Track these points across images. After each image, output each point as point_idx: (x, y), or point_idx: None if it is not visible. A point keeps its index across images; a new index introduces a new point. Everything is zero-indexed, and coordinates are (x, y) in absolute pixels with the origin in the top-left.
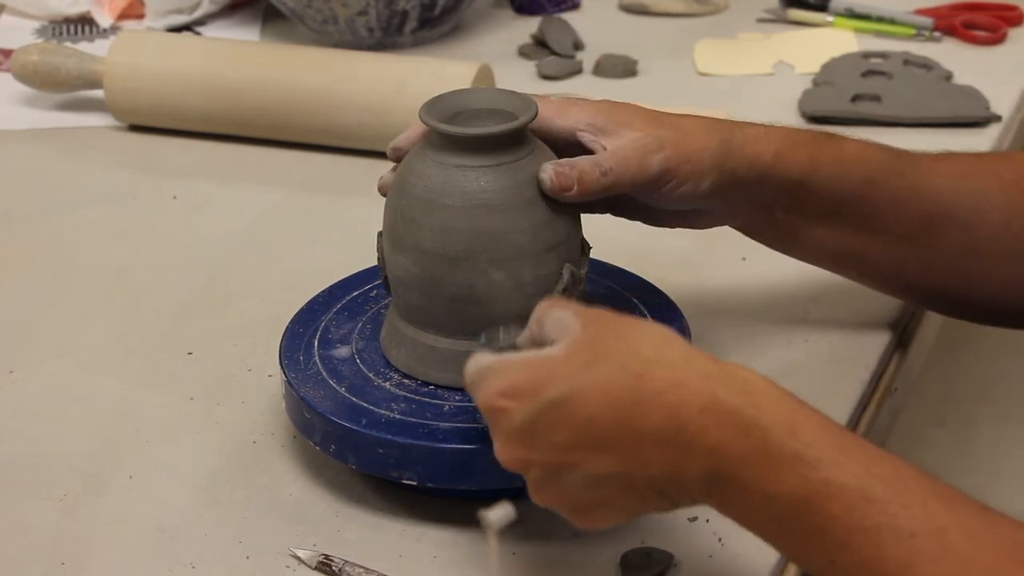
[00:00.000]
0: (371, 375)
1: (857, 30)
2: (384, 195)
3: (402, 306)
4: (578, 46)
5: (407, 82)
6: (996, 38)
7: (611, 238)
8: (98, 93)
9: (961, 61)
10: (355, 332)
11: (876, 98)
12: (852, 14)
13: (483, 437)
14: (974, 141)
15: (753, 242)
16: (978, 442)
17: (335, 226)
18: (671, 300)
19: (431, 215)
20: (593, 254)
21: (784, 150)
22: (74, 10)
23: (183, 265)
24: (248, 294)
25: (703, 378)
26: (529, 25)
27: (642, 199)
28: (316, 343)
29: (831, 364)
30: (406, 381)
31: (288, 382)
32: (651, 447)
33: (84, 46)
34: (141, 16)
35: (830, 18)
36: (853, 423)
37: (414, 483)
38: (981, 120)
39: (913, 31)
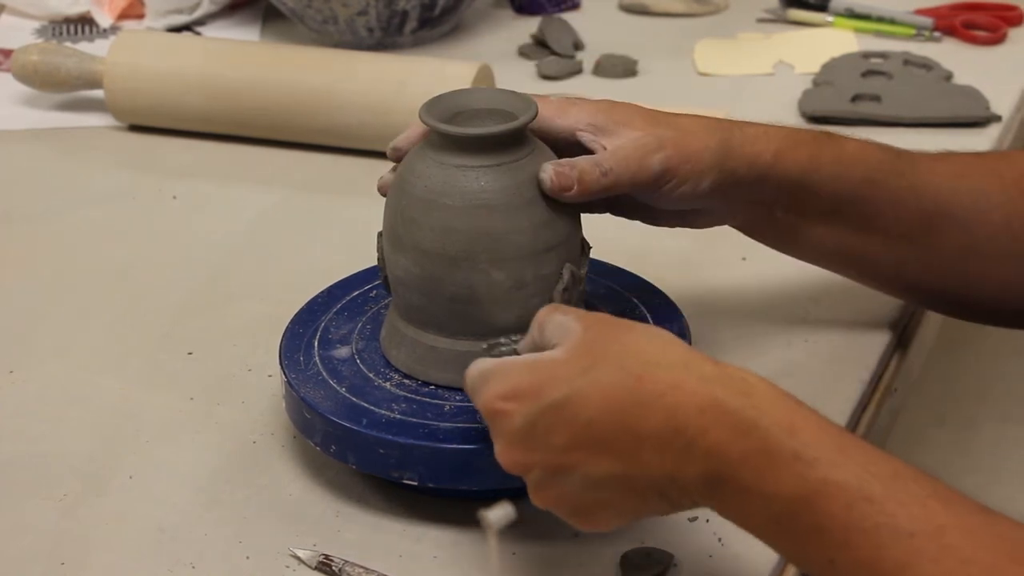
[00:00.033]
0: (371, 375)
1: (857, 30)
2: (384, 195)
3: (402, 306)
4: (578, 46)
5: (407, 82)
6: (996, 38)
7: (611, 238)
8: (98, 93)
9: (961, 61)
10: (355, 332)
11: (876, 98)
12: (852, 14)
13: (484, 437)
14: (974, 141)
15: (753, 242)
16: (978, 442)
17: (335, 226)
18: (671, 300)
19: (431, 215)
20: (593, 254)
21: (784, 150)
22: (74, 10)
23: (183, 265)
24: (248, 294)
25: (702, 380)
26: (529, 25)
27: (642, 199)
28: (316, 343)
29: (831, 364)
30: (406, 381)
31: (288, 382)
32: (651, 449)
33: (84, 46)
34: (141, 16)
35: (830, 18)
36: (853, 423)
37: (414, 483)
38: (981, 120)
39: (913, 31)
